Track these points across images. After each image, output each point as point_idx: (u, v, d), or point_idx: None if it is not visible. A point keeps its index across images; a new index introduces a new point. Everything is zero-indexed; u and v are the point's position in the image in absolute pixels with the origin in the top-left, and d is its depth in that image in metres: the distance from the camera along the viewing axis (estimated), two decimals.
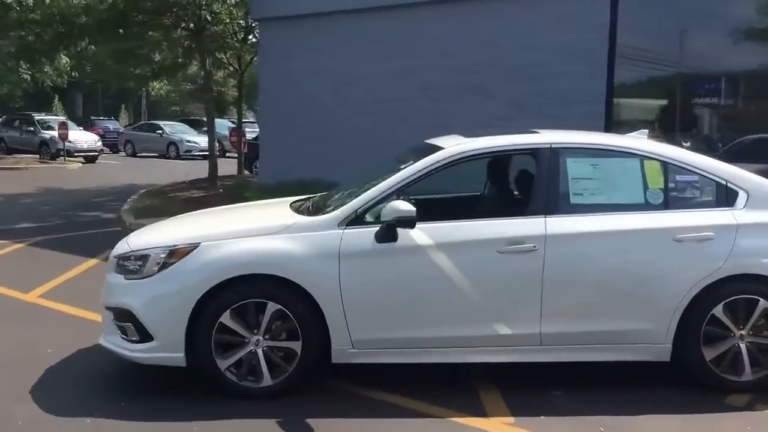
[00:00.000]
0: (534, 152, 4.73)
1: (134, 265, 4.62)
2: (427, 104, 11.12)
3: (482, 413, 4.27)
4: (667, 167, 4.73)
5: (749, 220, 4.61)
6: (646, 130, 5.15)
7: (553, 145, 4.74)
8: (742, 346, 4.60)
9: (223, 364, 4.47)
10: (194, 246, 4.50)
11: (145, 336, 4.51)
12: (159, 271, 4.50)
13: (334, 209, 4.66)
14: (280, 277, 4.44)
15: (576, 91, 9.77)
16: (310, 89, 12.65)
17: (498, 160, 5.13)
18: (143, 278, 4.53)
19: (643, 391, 4.62)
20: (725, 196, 4.70)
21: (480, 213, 4.65)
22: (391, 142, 10.91)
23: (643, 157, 4.76)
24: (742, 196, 4.68)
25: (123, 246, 4.83)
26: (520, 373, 4.70)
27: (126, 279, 4.62)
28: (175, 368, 4.50)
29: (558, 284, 4.50)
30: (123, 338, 4.62)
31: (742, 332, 4.59)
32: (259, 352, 4.48)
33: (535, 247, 4.49)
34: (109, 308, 4.71)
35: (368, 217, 4.55)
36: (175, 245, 4.54)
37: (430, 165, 4.66)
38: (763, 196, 4.69)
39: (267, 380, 4.48)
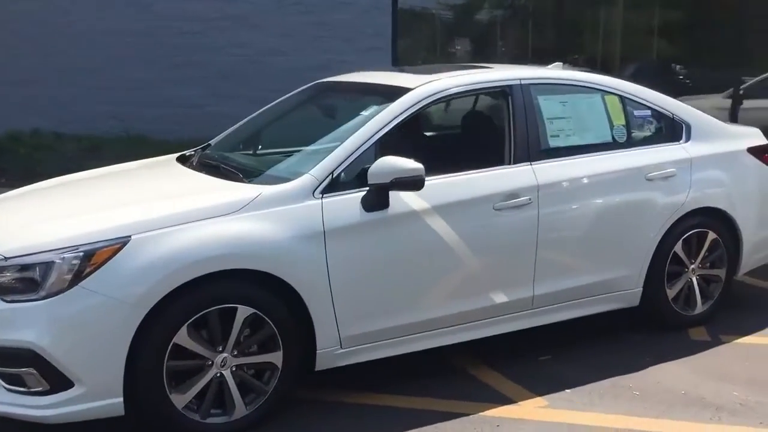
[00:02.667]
0: (508, 90, 4.07)
1: (21, 280, 3.03)
2: (178, 38, 9.60)
3: (508, 400, 3.65)
4: (625, 102, 4.44)
5: (697, 153, 4.54)
6: (561, 63, 4.78)
7: (522, 81, 4.13)
8: (694, 279, 4.59)
9: (180, 400, 3.18)
10: (123, 241, 3.07)
11: (59, 383, 3.01)
12: (72, 284, 3.00)
13: (295, 173, 3.53)
14: (253, 270, 3.25)
15: (359, 25, 9.17)
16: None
17: (471, 101, 4.36)
18: (46, 298, 2.98)
19: (615, 343, 4.38)
20: (675, 131, 4.58)
21: (465, 165, 3.87)
22: (132, 82, 9.32)
23: (603, 92, 4.41)
24: (686, 130, 4.60)
25: None
26: (491, 346, 4.10)
27: (8, 302, 3.02)
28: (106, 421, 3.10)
29: (550, 239, 4.00)
30: (17, 392, 3.05)
31: (693, 266, 4.58)
32: (227, 374, 3.27)
33: (530, 199, 3.90)
34: None
35: (345, 180, 3.54)
36: (91, 243, 3.05)
37: (404, 109, 3.74)
38: (703, 128, 4.65)
39: (240, 410, 3.30)
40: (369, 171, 3.46)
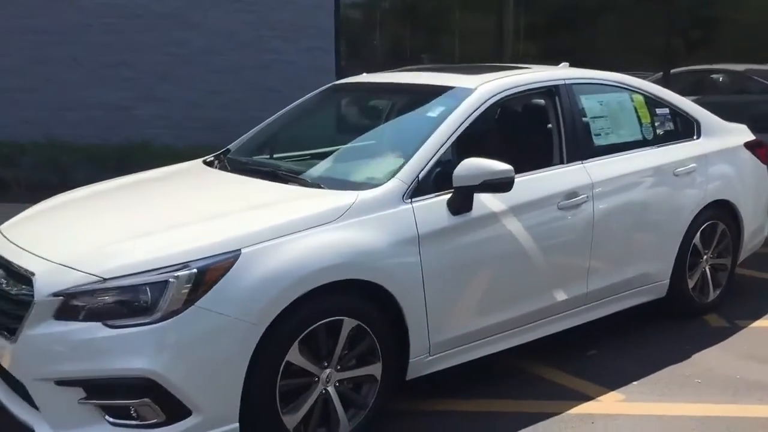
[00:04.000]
0: (555, 89, 4.12)
1: (123, 303, 2.75)
2: (107, 36, 9.00)
3: (586, 397, 3.69)
4: (648, 101, 4.62)
5: (709, 149, 4.79)
6: (567, 63, 4.90)
7: (566, 81, 4.21)
8: (707, 269, 4.84)
9: (291, 421, 3.01)
10: (234, 256, 2.86)
11: (176, 413, 2.76)
12: (187, 304, 2.75)
13: (371, 177, 3.42)
14: (356, 280, 3.12)
15: (301, 24, 8.97)
16: None
17: (525, 100, 4.34)
18: (161, 320, 2.72)
19: (648, 334, 4.53)
20: (688, 128, 4.80)
21: (526, 165, 3.86)
22: (55, 84, 8.70)
23: (631, 91, 4.56)
24: (697, 126, 4.84)
25: (65, 275, 2.83)
26: (538, 344, 4.11)
27: (113, 328, 2.73)
28: None
29: (601, 236, 4.08)
30: (124, 425, 2.76)
31: (707, 256, 4.82)
32: (331, 390, 3.12)
33: (586, 198, 3.98)
34: (64, 383, 2.76)
35: (427, 184, 3.45)
36: (203, 259, 2.81)
37: (474, 110, 3.71)
38: (710, 125, 4.90)
39: (344, 427, 3.16)
40: (455, 173, 3.39)
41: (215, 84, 8.96)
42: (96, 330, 2.74)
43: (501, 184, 3.41)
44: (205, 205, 3.41)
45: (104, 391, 2.76)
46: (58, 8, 8.78)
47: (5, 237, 3.36)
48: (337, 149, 4.02)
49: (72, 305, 2.79)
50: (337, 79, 8.96)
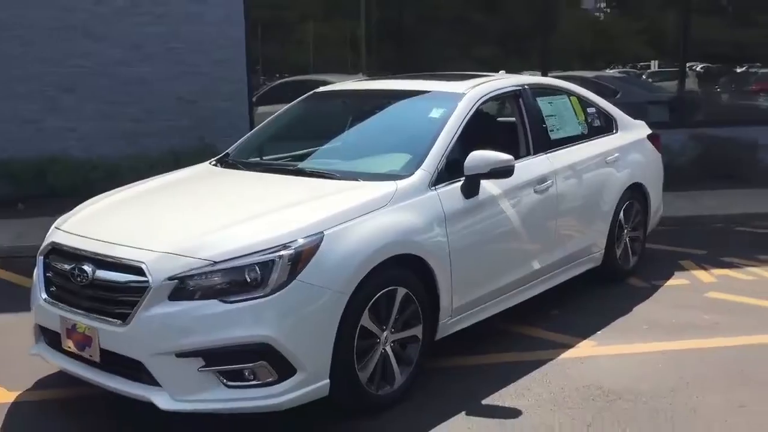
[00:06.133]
0: (519, 93, 4.91)
1: (232, 282, 3.20)
2: (14, 48, 8.86)
3: (566, 346, 4.48)
4: (581, 101, 5.53)
5: (626, 141, 5.79)
6: (503, 71, 5.73)
7: (525, 86, 5.01)
8: (628, 240, 5.83)
9: (363, 377, 3.56)
10: (320, 237, 3.37)
11: (285, 372, 3.23)
12: (290, 278, 3.23)
13: (403, 169, 4.03)
14: (409, 255, 3.72)
15: (212, 36, 9.25)
16: None
17: (501, 102, 5.04)
18: (272, 293, 3.19)
19: (593, 296, 5.41)
20: (609, 123, 5.77)
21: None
22: None
23: (569, 93, 5.45)
24: (615, 122, 5.82)
25: (175, 261, 3.22)
26: (509, 310, 4.78)
27: (229, 303, 3.16)
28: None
29: (562, 214, 4.92)
30: (240, 387, 3.19)
31: (627, 229, 5.81)
32: (388, 350, 3.70)
33: (551, 182, 4.79)
34: (183, 354, 3.16)
35: (443, 173, 4.10)
36: (298, 239, 3.30)
37: (468, 110, 4.41)
38: (623, 121, 5.91)
39: (399, 380, 3.75)
40: (466, 164, 4.07)
41: (126, 96, 9.05)
42: (214, 306, 3.17)
43: (505, 171, 4.12)
44: (267, 198, 3.88)
45: (223, 358, 3.18)
46: None
47: (75, 234, 3.65)
48: (348, 148, 4.59)
49: (186, 287, 3.20)
50: (249, 90, 9.46)
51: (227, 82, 9.27)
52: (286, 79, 10.46)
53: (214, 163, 4.79)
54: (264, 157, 4.79)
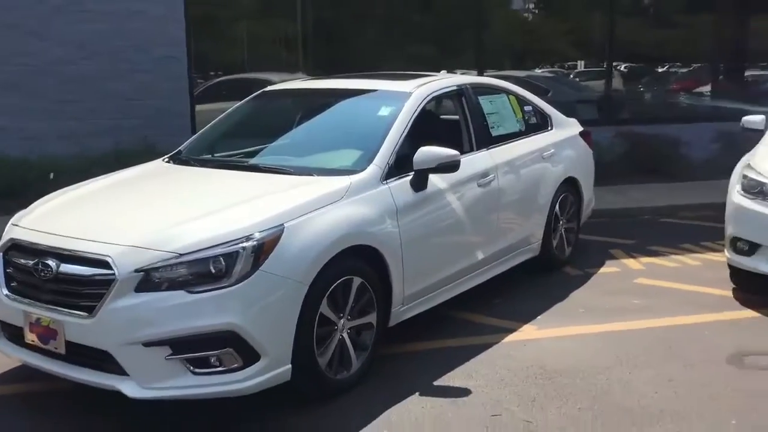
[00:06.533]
0: (463, 92, 5.16)
1: (196, 273, 3.33)
2: None
3: (510, 330, 4.75)
4: (519, 100, 5.82)
5: (560, 137, 6.12)
6: (445, 71, 6.00)
7: (468, 85, 5.26)
8: (563, 231, 6.16)
9: (323, 362, 3.73)
10: (280, 229, 3.52)
11: (249, 358, 3.38)
12: (254, 269, 3.38)
13: (355, 164, 4.21)
14: (363, 246, 3.91)
15: (153, 34, 9.24)
16: None
17: (445, 100, 5.25)
18: (237, 283, 3.33)
19: (531, 284, 5.71)
20: (544, 121, 6.08)
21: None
22: None
23: (507, 92, 5.73)
24: (550, 120, 6.14)
25: (141, 254, 3.33)
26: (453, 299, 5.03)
27: (195, 293, 3.29)
28: None
29: (503, 208, 5.20)
30: (206, 374, 3.33)
31: (563, 221, 6.14)
32: (345, 336, 3.88)
33: (493, 177, 5.05)
34: (151, 343, 3.28)
35: (393, 168, 4.30)
36: (261, 231, 3.45)
37: (415, 108, 4.63)
38: (557, 119, 6.23)
39: (355, 365, 3.94)
40: (415, 159, 4.28)
41: (68, 94, 8.95)
42: (180, 297, 3.29)
43: (452, 166, 4.35)
44: (226, 193, 4.01)
45: (190, 346, 3.30)
46: None
47: (35, 230, 3.71)
48: (300, 145, 4.74)
49: (152, 279, 3.31)
50: (190, 88, 9.47)
51: (169, 80, 9.26)
52: (225, 78, 10.50)
53: (167, 160, 4.87)
54: (216, 155, 4.91)
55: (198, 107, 9.49)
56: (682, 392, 3.86)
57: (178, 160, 4.83)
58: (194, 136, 5.17)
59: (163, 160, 4.88)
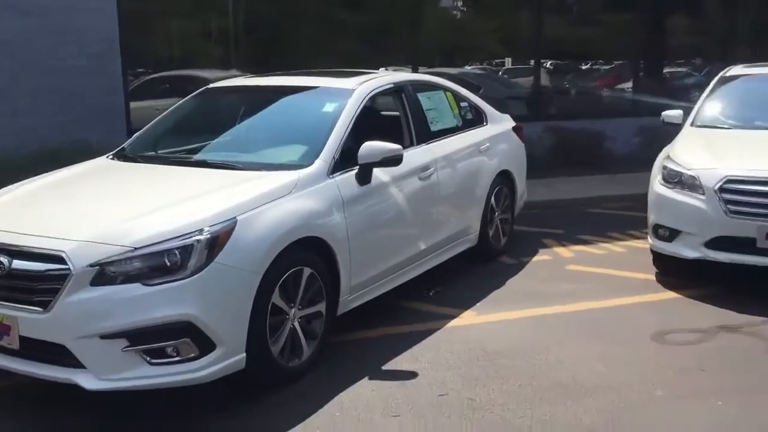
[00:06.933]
0: (404, 88, 5.35)
1: (151, 266, 3.42)
2: None
3: (451, 316, 4.97)
4: (455, 96, 6.05)
5: (495, 132, 6.38)
6: (384, 68, 6.18)
7: (408, 82, 5.47)
8: (498, 222, 6.42)
9: (275, 350, 3.87)
10: (233, 222, 3.64)
11: (205, 347, 3.49)
12: (209, 260, 3.48)
13: (303, 159, 4.35)
14: (313, 237, 4.05)
15: (86, 29, 9.11)
16: None
17: (387, 97, 5.39)
18: (192, 275, 3.43)
19: (470, 274, 5.96)
20: (480, 116, 6.33)
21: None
22: None
23: (444, 89, 5.95)
24: (485, 116, 6.39)
25: (96, 249, 3.39)
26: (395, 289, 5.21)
27: (151, 286, 3.37)
28: None
29: (442, 199, 5.42)
30: (163, 364, 3.42)
31: (498, 212, 6.40)
32: (296, 325, 4.02)
33: (433, 170, 5.26)
34: (108, 336, 3.35)
35: (338, 163, 4.46)
36: (214, 225, 3.56)
37: (358, 104, 4.79)
38: (492, 114, 6.50)
39: (306, 353, 4.09)
40: (360, 153, 4.45)
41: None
42: (136, 289, 3.38)
43: (395, 160, 4.54)
44: (177, 188, 4.09)
45: (147, 338, 3.39)
46: None
47: None
48: (247, 142, 4.85)
49: (108, 273, 3.38)
50: (124, 85, 9.38)
51: (102, 77, 9.16)
52: (159, 75, 10.43)
53: (111, 157, 4.90)
54: (160, 151, 4.96)
55: (133, 104, 9.42)
56: (611, 367, 4.15)
57: (123, 157, 4.87)
58: (137, 134, 5.20)
59: (107, 157, 4.91)
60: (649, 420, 3.57)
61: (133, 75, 9.82)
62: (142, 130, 5.26)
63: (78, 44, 9.02)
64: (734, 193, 5.13)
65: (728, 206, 5.12)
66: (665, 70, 12.70)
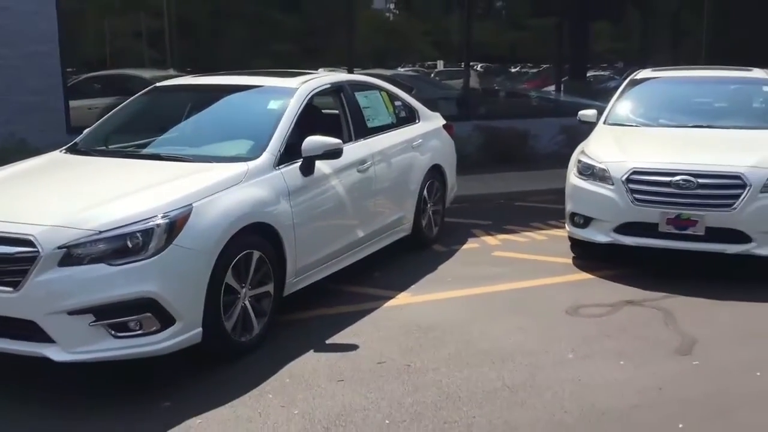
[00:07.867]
0: (343, 88, 5.77)
1: (115, 249, 3.75)
2: None
3: (388, 297, 5.42)
4: (389, 96, 6.50)
5: (427, 129, 6.87)
6: (323, 69, 6.59)
7: (347, 82, 5.88)
8: (430, 213, 6.90)
9: (229, 326, 4.24)
10: (189, 208, 4.00)
11: (166, 322, 3.84)
12: (168, 243, 3.83)
13: (250, 152, 4.72)
14: (261, 223, 4.43)
15: (22, 29, 9.21)
16: None
17: (327, 96, 5.77)
18: (153, 256, 3.77)
19: (403, 260, 6.42)
20: (412, 114, 6.80)
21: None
22: None
23: (380, 89, 6.39)
24: (418, 114, 6.87)
25: (63, 232, 3.70)
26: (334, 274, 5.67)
27: (116, 266, 3.70)
28: None
29: (379, 191, 5.86)
30: (127, 337, 3.75)
31: (430, 203, 6.88)
32: (247, 304, 4.40)
33: (370, 164, 5.70)
34: (75, 312, 3.66)
35: (283, 155, 4.84)
36: (172, 210, 3.91)
37: (301, 102, 5.19)
38: (423, 113, 6.98)
39: (256, 329, 4.46)
40: (303, 147, 4.85)
41: None
42: (101, 269, 3.71)
43: (335, 153, 4.96)
44: (135, 179, 4.42)
45: (112, 313, 3.72)
46: None
47: None
48: (195, 137, 5.19)
49: (74, 255, 3.70)
50: (64, 84, 9.49)
51: (40, 75, 9.26)
52: (96, 74, 10.55)
53: (64, 151, 5.17)
54: (112, 146, 5.25)
55: (72, 103, 9.54)
56: (530, 336, 4.67)
57: (77, 151, 5.14)
58: (87, 130, 5.46)
59: (61, 151, 5.18)
60: (560, 377, 4.09)
61: (76, 73, 9.95)
62: (92, 126, 5.52)
63: (14, 44, 9.11)
64: (639, 183, 5.73)
65: (634, 195, 5.72)
66: (589, 74, 13.46)
